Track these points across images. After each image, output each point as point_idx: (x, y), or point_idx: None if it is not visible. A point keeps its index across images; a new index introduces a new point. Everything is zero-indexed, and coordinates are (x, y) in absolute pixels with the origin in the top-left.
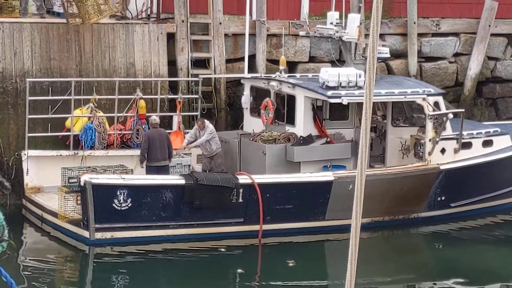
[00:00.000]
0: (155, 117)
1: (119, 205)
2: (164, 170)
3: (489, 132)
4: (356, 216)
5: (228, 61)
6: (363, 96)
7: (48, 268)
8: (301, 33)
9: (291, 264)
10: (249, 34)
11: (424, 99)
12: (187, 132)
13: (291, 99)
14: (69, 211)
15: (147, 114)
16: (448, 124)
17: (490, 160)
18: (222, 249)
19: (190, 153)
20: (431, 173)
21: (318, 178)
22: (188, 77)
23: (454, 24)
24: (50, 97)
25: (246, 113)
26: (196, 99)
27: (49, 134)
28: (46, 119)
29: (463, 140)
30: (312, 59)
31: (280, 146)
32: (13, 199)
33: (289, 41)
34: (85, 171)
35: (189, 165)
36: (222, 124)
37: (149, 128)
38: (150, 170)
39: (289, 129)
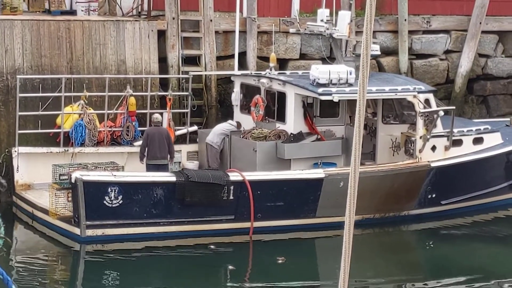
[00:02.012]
0: (157, 115)
1: (110, 202)
2: (163, 168)
3: (480, 129)
4: (350, 214)
5: (218, 58)
6: (354, 93)
7: (39, 265)
8: (292, 30)
9: (280, 261)
10: (240, 31)
11: (414, 96)
12: (178, 129)
13: (282, 96)
14: (60, 208)
15: (137, 111)
16: (438, 122)
17: (481, 158)
18: (212, 246)
19: (180, 150)
20: (422, 170)
21: (309, 175)
22: (178, 74)
23: (445, 21)
24: (40, 94)
25: (236, 110)
26: (187, 96)
27: (40, 131)
28: (37, 116)
29: (453, 138)
30: (302, 56)
31: (270, 143)
32: (3, 196)
33: (280, 38)
34: (76, 168)
35: (179, 162)
36: (212, 121)
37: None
38: (149, 168)
39: (279, 126)
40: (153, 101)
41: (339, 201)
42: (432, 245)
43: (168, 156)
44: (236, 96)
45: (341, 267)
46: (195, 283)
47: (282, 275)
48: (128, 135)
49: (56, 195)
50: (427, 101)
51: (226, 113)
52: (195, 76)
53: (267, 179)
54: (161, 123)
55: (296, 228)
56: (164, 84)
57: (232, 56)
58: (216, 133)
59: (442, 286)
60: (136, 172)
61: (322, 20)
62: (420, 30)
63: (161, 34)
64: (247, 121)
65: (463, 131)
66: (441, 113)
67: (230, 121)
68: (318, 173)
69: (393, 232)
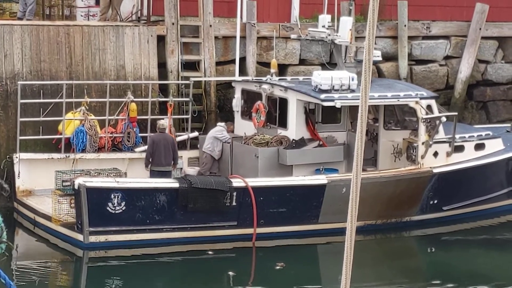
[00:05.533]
0: (163, 122)
1: (113, 209)
2: (167, 175)
3: (481, 135)
4: (352, 219)
5: (218, 63)
6: (356, 99)
7: (41, 271)
8: (293, 36)
9: (278, 267)
10: (240, 37)
11: (417, 102)
12: (178, 135)
13: (283, 102)
14: (63, 214)
15: (138, 117)
16: (440, 128)
17: (483, 164)
18: (211, 252)
19: (181, 157)
20: (424, 176)
21: (311, 181)
22: (178, 79)
23: (445, 27)
24: (41, 100)
25: (237, 116)
26: (186, 102)
27: (41, 137)
28: (37, 122)
29: (455, 144)
30: (302, 61)
31: (272, 149)
32: (3, 201)
33: (280, 44)
34: (79, 174)
35: (181, 169)
36: (212, 126)
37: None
38: (154, 175)
39: (281, 132)
40: (154, 107)
41: (341, 207)
42: (433, 251)
43: (173, 162)
44: (237, 102)
45: (343, 273)
46: None
47: (284, 282)
48: (129, 141)
49: (58, 201)
50: (429, 107)
51: (225, 118)
52: (194, 81)
53: (270, 185)
54: (166, 129)
55: (299, 234)
56: (163, 89)
57: (232, 61)
58: (207, 138)
59: None
60: (139, 178)
61: (323, 26)
62: (420, 36)
63: (161, 39)
64: (248, 127)
65: (464, 137)
66: (443, 119)
67: (219, 123)
68: (320, 179)
69: (395, 238)
